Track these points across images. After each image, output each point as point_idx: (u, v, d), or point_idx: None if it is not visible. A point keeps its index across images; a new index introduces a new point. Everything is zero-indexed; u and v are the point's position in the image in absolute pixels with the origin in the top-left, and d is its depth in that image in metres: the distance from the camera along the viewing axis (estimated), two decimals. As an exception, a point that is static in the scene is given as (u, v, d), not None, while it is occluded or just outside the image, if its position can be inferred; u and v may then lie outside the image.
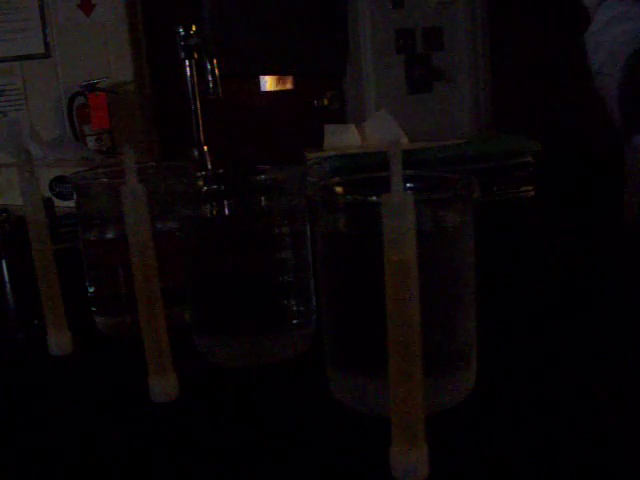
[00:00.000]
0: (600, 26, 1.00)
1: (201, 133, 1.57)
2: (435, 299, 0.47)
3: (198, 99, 1.54)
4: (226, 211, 0.61)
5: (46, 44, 1.98)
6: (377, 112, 2.18)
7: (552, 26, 2.51)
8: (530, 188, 1.64)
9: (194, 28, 1.50)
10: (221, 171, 0.65)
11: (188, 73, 1.53)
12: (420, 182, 0.51)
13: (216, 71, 1.49)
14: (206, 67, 1.50)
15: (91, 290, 0.69)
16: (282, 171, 0.61)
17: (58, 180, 1.44)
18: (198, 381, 0.57)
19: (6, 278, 0.70)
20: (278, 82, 2.47)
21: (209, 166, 1.58)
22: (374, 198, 0.44)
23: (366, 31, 2.35)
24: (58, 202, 1.40)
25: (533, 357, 0.57)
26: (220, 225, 0.61)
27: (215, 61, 1.49)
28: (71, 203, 0.70)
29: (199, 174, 0.68)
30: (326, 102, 2.50)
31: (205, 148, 1.58)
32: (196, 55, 1.52)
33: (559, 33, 2.50)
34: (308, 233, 0.60)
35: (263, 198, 0.59)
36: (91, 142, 1.89)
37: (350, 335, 0.50)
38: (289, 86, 2.51)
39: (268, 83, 2.49)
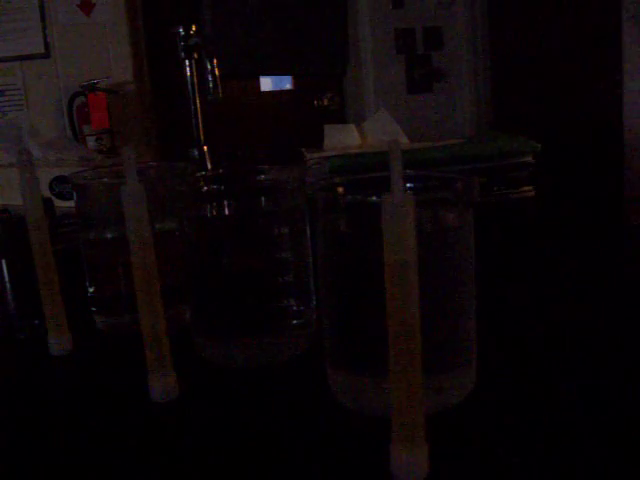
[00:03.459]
0: None
1: (201, 133, 1.57)
2: (435, 299, 0.47)
3: (198, 99, 1.54)
4: (226, 211, 0.61)
5: (46, 44, 1.98)
6: (377, 112, 2.18)
7: (552, 26, 2.51)
8: (530, 188, 1.64)
9: (194, 28, 1.50)
10: (221, 171, 0.65)
11: (188, 73, 1.53)
12: (420, 182, 0.51)
13: (216, 71, 1.49)
14: (206, 67, 1.50)
15: (91, 290, 0.69)
16: (282, 171, 0.61)
17: (58, 180, 1.44)
18: (198, 381, 0.57)
19: (6, 278, 0.70)
20: (278, 82, 2.47)
21: (209, 166, 1.58)
22: (374, 198, 0.44)
23: (366, 31, 2.35)
24: (58, 202, 1.40)
25: (533, 357, 0.57)
26: (220, 225, 0.61)
27: (215, 61, 1.49)
28: (71, 203, 0.70)
29: (199, 174, 0.68)
30: (326, 102, 2.50)
31: (205, 148, 1.58)
32: (196, 55, 1.52)
33: (559, 33, 2.50)
34: (308, 233, 0.60)
35: (263, 198, 0.59)
36: (91, 142, 1.89)
37: (350, 335, 0.50)
38: (289, 86, 2.51)
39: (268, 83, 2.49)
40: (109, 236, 0.68)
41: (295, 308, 0.60)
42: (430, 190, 0.52)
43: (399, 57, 2.38)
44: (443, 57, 2.40)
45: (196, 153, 1.57)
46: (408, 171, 0.47)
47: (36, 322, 0.67)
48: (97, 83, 1.90)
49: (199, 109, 1.55)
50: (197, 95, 1.54)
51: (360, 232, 0.48)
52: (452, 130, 2.33)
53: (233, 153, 1.95)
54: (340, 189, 0.53)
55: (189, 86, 1.53)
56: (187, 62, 1.52)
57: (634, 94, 2.53)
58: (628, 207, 2.49)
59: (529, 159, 1.70)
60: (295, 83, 2.52)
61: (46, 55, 1.99)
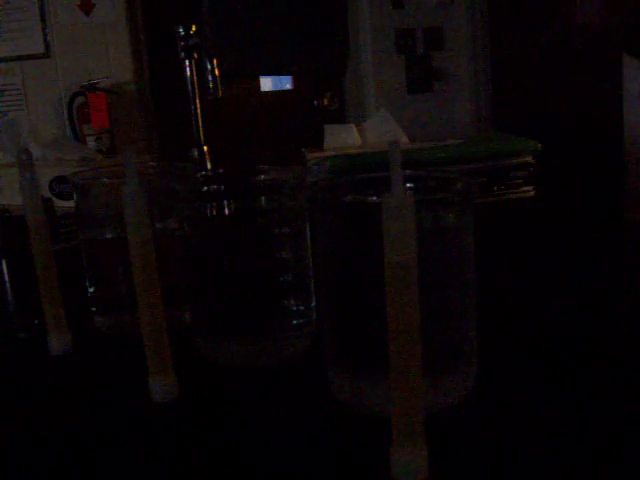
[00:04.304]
0: None
1: (201, 133, 1.57)
2: (435, 299, 0.47)
3: (198, 99, 1.54)
4: (226, 211, 0.61)
5: (46, 44, 1.98)
6: (377, 112, 2.19)
7: (552, 26, 2.51)
8: (530, 188, 1.64)
9: (194, 28, 1.50)
10: (221, 171, 0.65)
11: (188, 73, 1.53)
12: (420, 182, 0.51)
13: (216, 71, 1.49)
14: (206, 67, 1.50)
15: (91, 290, 0.69)
16: (282, 171, 0.61)
17: (58, 180, 1.44)
18: (198, 381, 0.57)
19: (6, 278, 0.70)
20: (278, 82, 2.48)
21: (209, 166, 1.58)
22: (374, 198, 0.44)
23: (366, 31, 2.35)
24: (58, 202, 1.40)
25: (533, 357, 0.57)
26: (220, 225, 0.61)
27: (215, 61, 1.49)
28: (71, 203, 0.70)
29: (199, 174, 0.68)
30: (326, 102, 2.50)
31: (205, 148, 1.58)
32: (196, 55, 1.52)
33: (559, 33, 2.50)
34: (308, 233, 0.60)
35: (263, 198, 0.59)
36: (91, 142, 1.89)
37: (350, 335, 0.50)
38: (289, 86, 2.51)
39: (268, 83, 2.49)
40: (109, 236, 0.68)
41: (295, 308, 0.60)
42: (430, 190, 0.52)
43: (399, 57, 2.38)
44: (443, 57, 2.40)
45: (196, 153, 1.57)
46: (408, 171, 0.47)
47: (36, 322, 0.66)
48: (97, 83, 1.91)
49: (199, 109, 1.55)
50: (197, 95, 1.54)
51: (360, 232, 0.48)
52: (452, 130, 2.33)
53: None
54: (340, 189, 0.53)
55: (189, 86, 1.53)
56: (187, 62, 1.52)
57: (634, 94, 2.53)
58: (628, 207, 2.49)
59: (529, 159, 1.71)
60: (295, 83, 2.52)
61: (46, 55, 1.99)
